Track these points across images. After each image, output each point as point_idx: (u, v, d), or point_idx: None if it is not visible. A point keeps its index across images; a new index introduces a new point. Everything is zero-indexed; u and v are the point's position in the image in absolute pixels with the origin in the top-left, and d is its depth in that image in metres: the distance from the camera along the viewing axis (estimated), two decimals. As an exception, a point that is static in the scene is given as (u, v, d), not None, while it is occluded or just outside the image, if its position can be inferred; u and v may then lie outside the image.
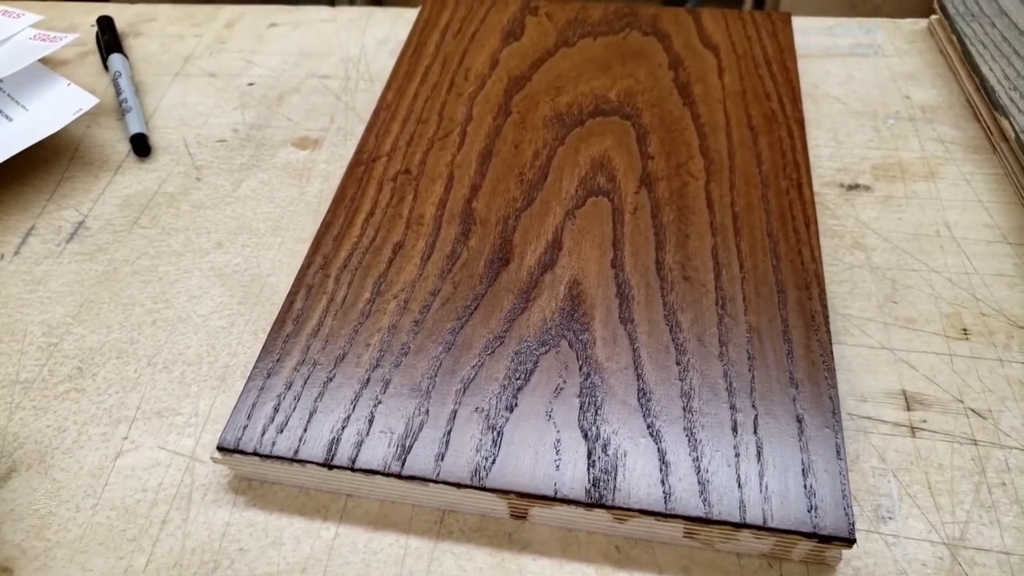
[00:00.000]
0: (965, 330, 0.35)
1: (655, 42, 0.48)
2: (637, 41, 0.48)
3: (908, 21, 0.52)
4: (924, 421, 0.32)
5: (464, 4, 0.52)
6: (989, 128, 0.44)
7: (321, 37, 0.54)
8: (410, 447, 0.29)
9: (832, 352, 0.32)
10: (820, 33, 0.52)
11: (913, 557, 0.28)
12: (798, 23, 0.53)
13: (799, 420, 0.30)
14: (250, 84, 0.50)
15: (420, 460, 0.29)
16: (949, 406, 0.32)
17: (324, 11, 0.57)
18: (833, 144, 0.44)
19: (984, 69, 0.44)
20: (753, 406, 0.30)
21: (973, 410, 0.32)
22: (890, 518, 0.29)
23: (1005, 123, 0.42)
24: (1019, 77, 0.44)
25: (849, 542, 0.27)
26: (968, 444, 0.31)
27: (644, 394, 0.31)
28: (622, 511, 0.28)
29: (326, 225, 0.38)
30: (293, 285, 0.35)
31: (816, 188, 0.42)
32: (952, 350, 0.34)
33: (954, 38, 0.48)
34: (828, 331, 0.32)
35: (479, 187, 0.39)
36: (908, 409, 0.32)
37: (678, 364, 0.32)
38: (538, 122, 0.43)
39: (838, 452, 0.29)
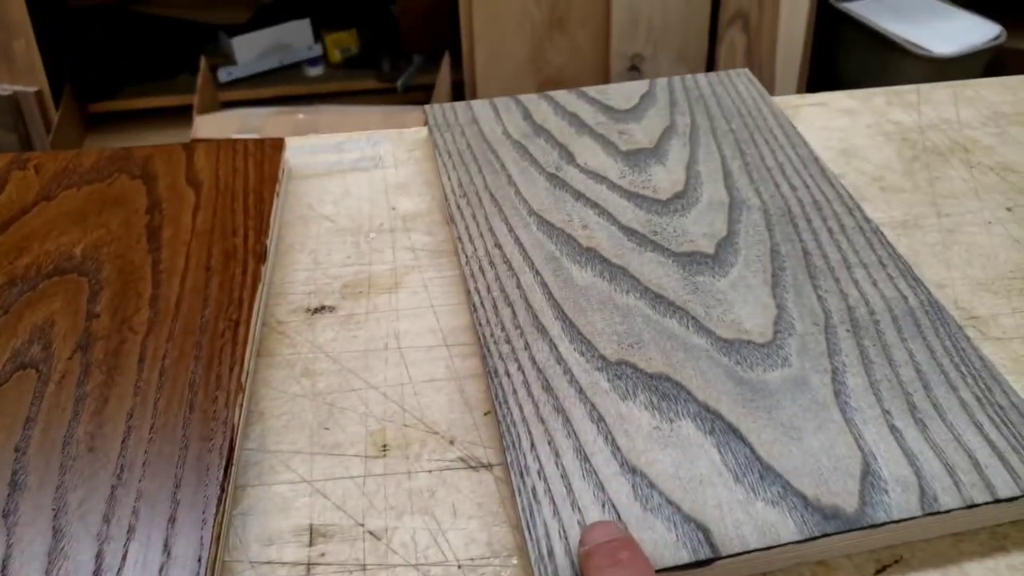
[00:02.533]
0: (385, 447, 0.37)
1: (141, 186, 0.48)
2: (123, 187, 0.48)
3: (412, 131, 0.56)
4: (323, 555, 0.33)
5: (-52, 164, 0.50)
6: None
7: None
8: None
9: (215, 505, 0.32)
10: (329, 151, 0.54)
11: None
12: (308, 142, 0.55)
13: (159, 592, 0.30)
14: None
15: None
16: (350, 532, 0.34)
17: None
18: (312, 267, 0.46)
19: (443, 178, 0.48)
20: (116, 586, 0.30)
21: (371, 532, 0.34)
22: (260, 670, 0.30)
23: (452, 230, 0.45)
24: (470, 184, 0.48)
25: None
26: (357, 570, 0.33)
27: (3, 596, 0.30)
28: None
29: None
30: None
31: (282, 316, 0.43)
32: (368, 470, 0.36)
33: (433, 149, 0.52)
34: (220, 482, 0.33)
35: None
36: (311, 544, 0.33)
37: (50, 553, 0.31)
38: (-13, 292, 0.41)
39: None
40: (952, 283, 0.46)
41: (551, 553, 0.31)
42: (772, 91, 1.76)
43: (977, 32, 1.72)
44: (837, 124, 0.59)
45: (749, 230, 0.45)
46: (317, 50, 1.99)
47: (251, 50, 1.93)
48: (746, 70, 0.58)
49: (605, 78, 1.74)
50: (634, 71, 1.76)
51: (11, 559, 0.31)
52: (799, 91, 1.79)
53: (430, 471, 0.36)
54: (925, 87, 0.63)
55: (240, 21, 1.91)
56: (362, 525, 0.34)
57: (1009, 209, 0.51)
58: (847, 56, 1.84)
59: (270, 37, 1.93)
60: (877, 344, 0.39)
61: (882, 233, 0.45)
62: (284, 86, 1.94)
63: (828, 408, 0.36)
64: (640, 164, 0.50)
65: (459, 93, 1.77)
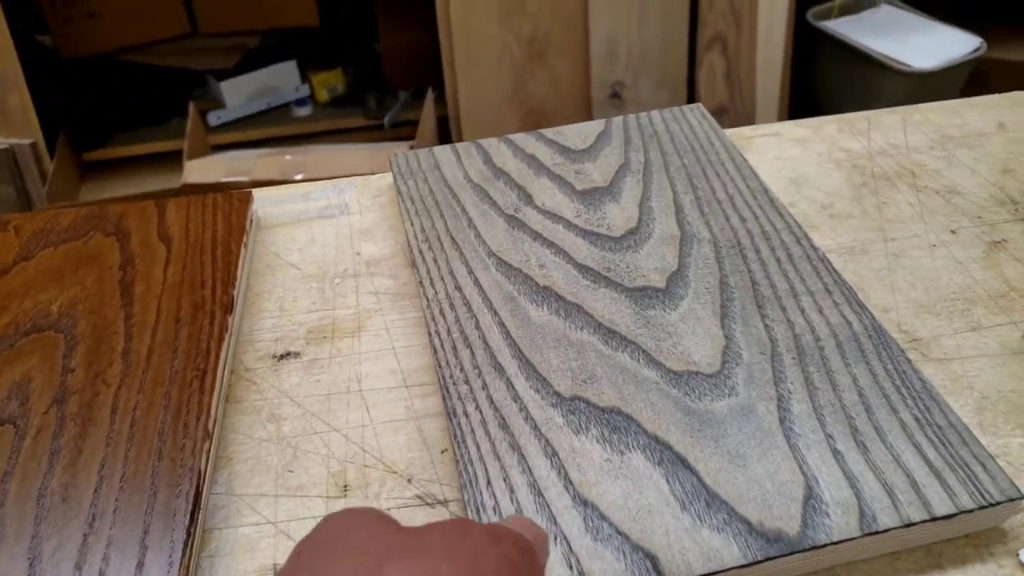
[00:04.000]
0: (346, 487, 0.39)
1: (115, 242, 0.50)
2: (98, 244, 0.50)
3: (376, 177, 0.58)
4: (285, 592, 0.35)
5: (-69, 228, 0.52)
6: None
7: None
8: None
9: (181, 549, 0.34)
10: (295, 200, 0.56)
11: None
12: (276, 193, 0.57)
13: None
14: None
15: None
16: (311, 570, 0.35)
17: None
18: (278, 314, 0.48)
19: (406, 224, 0.50)
20: (85, 631, 0.32)
21: (331, 569, 0.35)
22: None
23: (415, 275, 0.47)
24: (432, 229, 0.50)
25: None
26: (317, 607, 0.34)
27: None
28: None
29: None
30: None
31: (250, 364, 0.45)
32: (329, 510, 0.38)
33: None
34: (186, 527, 0.35)
35: None
36: (274, 583, 0.35)
37: (24, 601, 0.33)
38: (-33, 352, 0.43)
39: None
40: (896, 307, 0.48)
41: (500, 585, 0.33)
42: (753, 114, 1.79)
43: (957, 45, 1.75)
44: (789, 154, 0.61)
45: (699, 263, 0.47)
46: (304, 91, 2.02)
47: (240, 94, 1.97)
48: (699, 105, 0.60)
49: (587, 107, 1.77)
50: (615, 99, 1.79)
51: (-14, 609, 0.32)
52: (780, 112, 1.81)
53: (388, 509, 0.38)
54: (874, 114, 0.65)
55: (227, 66, 1.95)
56: (323, 563, 0.36)
57: (953, 232, 0.53)
58: (828, 75, 1.87)
59: (258, 80, 1.97)
60: (822, 370, 0.41)
61: (828, 260, 0.47)
62: (273, 127, 1.98)
63: (773, 435, 0.38)
64: (595, 202, 0.52)
65: (444, 127, 1.80)
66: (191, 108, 1.69)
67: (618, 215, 0.51)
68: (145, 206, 0.53)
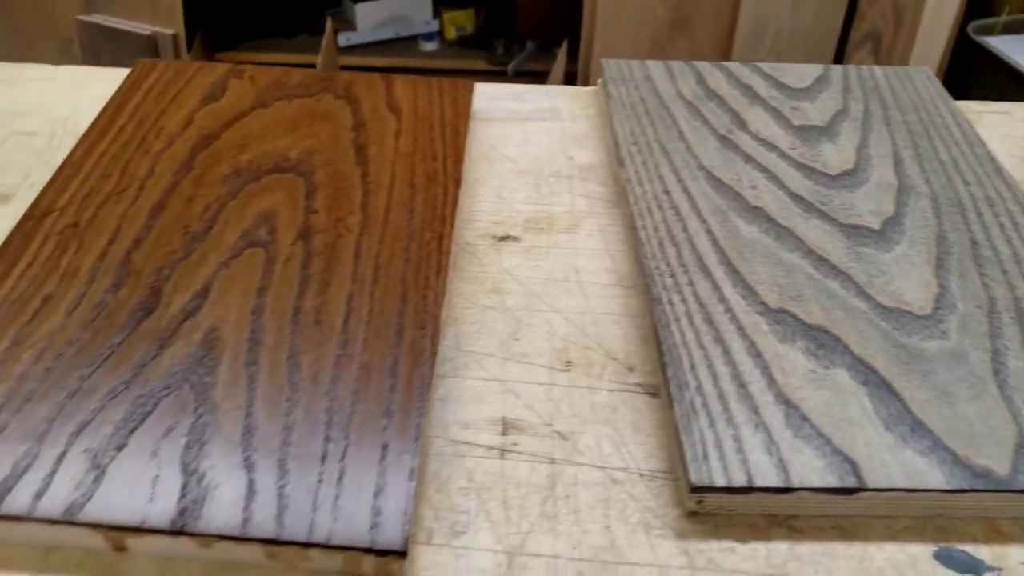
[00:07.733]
0: (569, 362, 0.40)
1: (345, 106, 0.52)
2: (329, 104, 0.52)
3: (586, 89, 0.59)
4: (515, 444, 0.36)
5: (174, 67, 0.54)
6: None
7: (35, 95, 0.55)
8: (9, 488, 0.31)
9: (429, 384, 0.36)
10: (509, 99, 0.58)
11: (475, 566, 0.32)
12: (491, 89, 0.58)
13: (384, 447, 0.33)
14: (-59, 140, 0.51)
15: (17, 500, 0.31)
16: (539, 430, 0.37)
17: (43, 69, 0.58)
18: (496, 200, 0.49)
19: (615, 126, 0.51)
20: (346, 437, 0.33)
21: (559, 432, 0.37)
22: (463, 532, 0.33)
23: (621, 173, 0.48)
24: (642, 134, 0.50)
25: (402, 555, 0.30)
26: (546, 463, 0.36)
27: (249, 430, 0.33)
28: (203, 537, 0.30)
29: (-25, 279, 0.39)
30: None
31: (471, 239, 0.47)
32: (554, 380, 0.39)
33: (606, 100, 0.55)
34: (432, 366, 0.37)
35: (143, 240, 0.42)
36: (504, 434, 0.37)
37: (288, 401, 0.35)
38: (216, 178, 0.46)
39: (410, 475, 0.32)
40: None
41: (706, 456, 0.34)
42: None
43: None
44: (1022, 133, 0.60)
45: (916, 214, 0.47)
46: (434, 25, 2.04)
47: (372, 18, 1.99)
48: (927, 68, 0.59)
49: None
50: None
51: (255, 399, 0.35)
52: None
53: (611, 390, 0.39)
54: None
55: (365, -12, 1.97)
56: (550, 425, 0.37)
57: None
58: (980, 93, 1.80)
59: (391, 7, 1.99)
60: (1044, 337, 0.40)
61: (1059, 237, 0.46)
62: (397, 57, 2.00)
63: (986, 382, 0.38)
64: (811, 140, 0.52)
65: (571, 84, 1.80)
66: (328, 23, 1.72)
67: (834, 155, 0.51)
68: (372, 78, 0.55)
